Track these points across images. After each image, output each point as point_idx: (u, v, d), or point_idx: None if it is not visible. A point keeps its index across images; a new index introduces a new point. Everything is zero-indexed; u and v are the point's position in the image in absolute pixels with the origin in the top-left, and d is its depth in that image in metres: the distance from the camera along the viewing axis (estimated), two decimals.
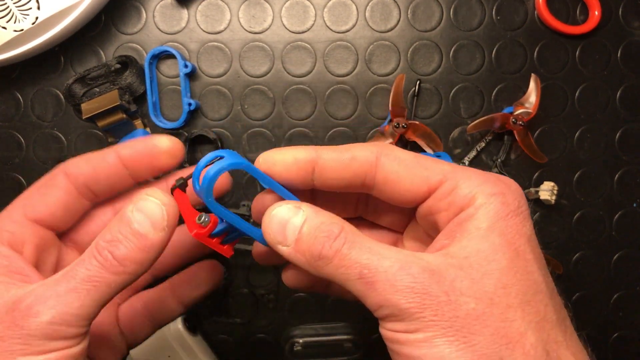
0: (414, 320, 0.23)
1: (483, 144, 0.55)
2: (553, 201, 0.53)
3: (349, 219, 0.32)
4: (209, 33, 0.55)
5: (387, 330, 0.24)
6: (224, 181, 0.32)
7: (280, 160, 0.27)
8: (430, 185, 0.26)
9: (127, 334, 0.33)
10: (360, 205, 0.32)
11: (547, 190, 0.53)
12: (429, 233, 0.29)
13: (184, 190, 0.28)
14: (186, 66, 0.54)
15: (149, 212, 0.26)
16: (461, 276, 0.23)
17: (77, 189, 0.30)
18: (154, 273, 0.36)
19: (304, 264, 0.26)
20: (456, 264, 0.24)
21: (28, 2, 0.52)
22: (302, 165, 0.27)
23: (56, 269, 0.30)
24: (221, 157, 0.26)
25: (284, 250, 0.26)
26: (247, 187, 0.55)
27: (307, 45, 0.56)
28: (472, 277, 0.23)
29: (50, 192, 0.30)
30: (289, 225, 0.26)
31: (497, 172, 0.54)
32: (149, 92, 0.54)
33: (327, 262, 0.25)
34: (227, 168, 0.26)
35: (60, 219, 0.30)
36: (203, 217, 0.28)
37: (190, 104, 0.54)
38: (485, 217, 0.24)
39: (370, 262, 0.24)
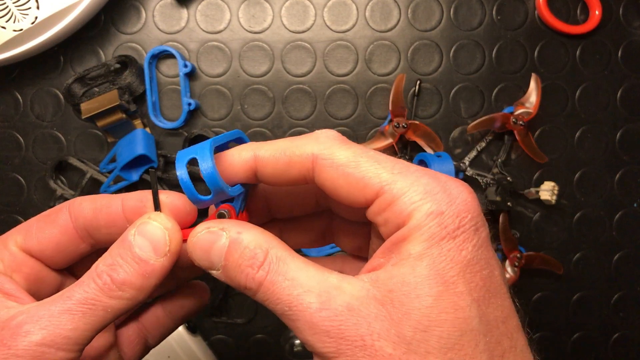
0: None
1: (483, 144, 0.55)
2: (553, 201, 0.53)
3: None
4: (208, 33, 0.55)
5: None
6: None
7: (222, 168, 0.26)
8: (367, 197, 0.24)
9: (126, 357, 0.33)
10: (328, 231, 0.31)
11: (547, 190, 0.53)
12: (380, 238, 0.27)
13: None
14: (186, 66, 0.54)
15: (151, 236, 0.25)
16: (382, 315, 0.22)
17: (77, 231, 0.28)
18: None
19: (234, 287, 0.25)
20: (380, 297, 0.22)
21: (27, 1, 0.52)
22: (242, 168, 0.26)
23: None
24: (194, 158, 0.25)
25: (214, 274, 0.25)
26: None
27: (307, 45, 0.55)
28: (392, 317, 0.22)
29: (47, 229, 0.28)
30: (212, 251, 0.25)
31: (497, 172, 0.54)
32: (148, 92, 0.54)
33: (253, 293, 0.24)
34: (211, 157, 0.25)
35: (50, 258, 0.29)
36: (224, 213, 0.27)
37: (190, 104, 0.54)
38: (418, 242, 0.22)
39: (291, 299, 0.23)
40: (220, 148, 0.28)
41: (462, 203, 0.23)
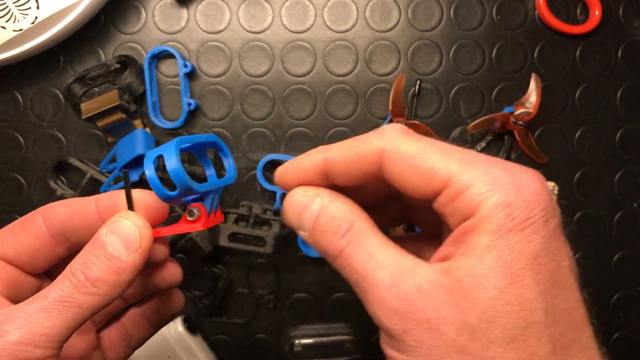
0: (398, 342, 0.23)
1: (483, 144, 0.55)
2: None
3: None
4: (208, 33, 0.55)
5: (382, 342, 0.24)
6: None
7: (292, 173, 0.27)
8: (435, 188, 0.24)
9: (109, 359, 0.33)
10: (404, 212, 0.31)
11: None
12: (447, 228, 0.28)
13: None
14: (186, 66, 0.54)
15: (122, 233, 0.26)
16: (449, 302, 0.22)
17: (53, 236, 0.29)
18: (126, 300, 0.36)
19: (318, 250, 0.26)
20: (448, 286, 0.22)
21: (27, 1, 0.52)
22: (312, 172, 0.27)
23: None
24: (160, 155, 0.27)
25: (302, 234, 0.27)
26: (246, 187, 0.55)
27: (307, 45, 0.55)
28: (459, 306, 0.22)
29: (22, 235, 0.29)
30: (305, 213, 0.26)
31: None
32: (148, 92, 0.54)
33: (332, 259, 0.25)
34: (176, 154, 0.26)
35: (27, 263, 0.29)
36: (194, 211, 0.28)
37: (190, 104, 0.54)
38: (486, 233, 0.22)
39: (366, 272, 0.24)
40: (194, 149, 0.29)
41: (532, 194, 0.23)
